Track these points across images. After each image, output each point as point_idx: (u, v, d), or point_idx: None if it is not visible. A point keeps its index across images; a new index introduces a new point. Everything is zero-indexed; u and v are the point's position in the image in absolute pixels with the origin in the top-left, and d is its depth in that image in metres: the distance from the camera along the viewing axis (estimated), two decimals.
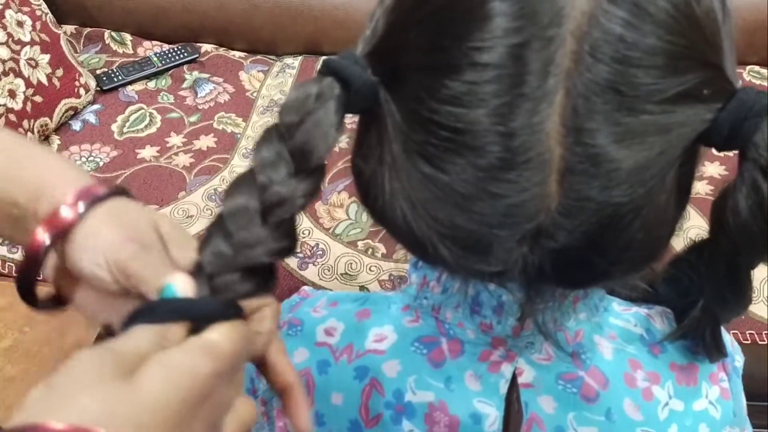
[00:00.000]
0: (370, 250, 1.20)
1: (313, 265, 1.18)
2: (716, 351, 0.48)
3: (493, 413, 0.47)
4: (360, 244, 1.20)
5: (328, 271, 1.18)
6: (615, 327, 0.50)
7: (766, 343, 1.14)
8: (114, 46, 1.56)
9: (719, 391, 0.50)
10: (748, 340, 1.14)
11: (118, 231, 0.37)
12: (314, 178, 0.36)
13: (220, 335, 0.33)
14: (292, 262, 1.18)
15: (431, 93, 0.34)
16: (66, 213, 0.37)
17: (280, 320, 0.53)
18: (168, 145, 1.37)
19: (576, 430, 0.47)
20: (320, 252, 1.20)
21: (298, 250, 1.20)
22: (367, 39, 0.38)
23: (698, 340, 0.48)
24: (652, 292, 0.50)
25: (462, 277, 0.43)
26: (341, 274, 1.18)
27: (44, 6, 1.41)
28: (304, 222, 1.22)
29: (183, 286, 0.35)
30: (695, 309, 0.46)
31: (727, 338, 0.51)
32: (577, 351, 0.48)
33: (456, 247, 0.37)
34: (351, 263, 1.19)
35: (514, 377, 0.47)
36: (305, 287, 0.58)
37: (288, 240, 0.36)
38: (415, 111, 0.35)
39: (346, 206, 1.24)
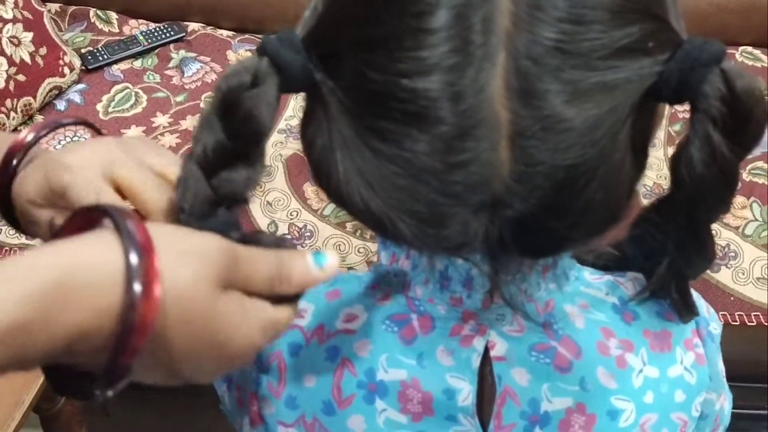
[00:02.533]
0: (359, 231, 1.19)
1: (302, 246, 1.18)
2: (685, 309, 0.48)
3: (466, 388, 0.47)
4: (349, 225, 1.19)
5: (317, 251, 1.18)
6: (586, 296, 0.49)
7: (755, 324, 1.14)
8: (99, 25, 1.54)
9: (694, 356, 0.50)
10: (736, 321, 1.14)
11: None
12: (252, 159, 0.38)
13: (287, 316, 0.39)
14: None
15: (377, 68, 0.34)
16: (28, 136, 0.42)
17: None
18: (154, 125, 1.36)
19: (550, 401, 0.47)
20: (308, 233, 1.19)
21: (287, 231, 1.20)
22: (306, 21, 0.38)
23: (667, 299, 0.48)
24: (620, 257, 0.50)
25: (426, 252, 0.43)
26: None
27: None
28: (292, 203, 1.22)
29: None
30: (661, 267, 0.46)
31: (702, 303, 0.51)
32: (549, 321, 0.47)
33: (414, 221, 0.36)
34: (339, 245, 1.18)
35: (486, 351, 0.47)
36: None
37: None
38: (361, 88, 0.35)
39: None
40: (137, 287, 0.31)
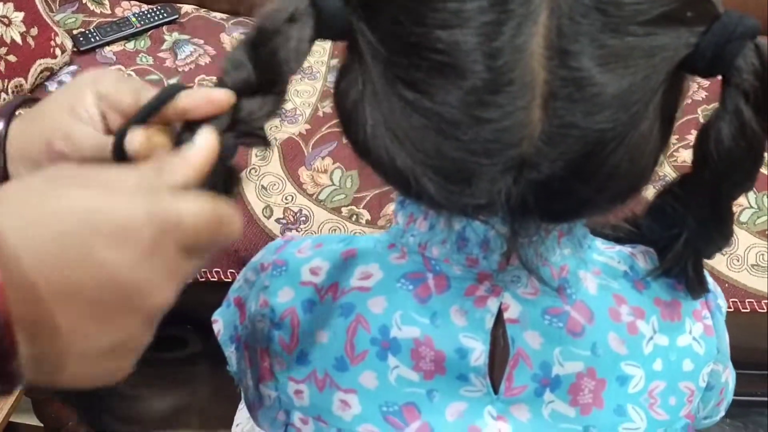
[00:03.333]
0: (354, 216, 1.18)
1: (297, 231, 1.17)
2: (698, 286, 0.49)
3: (479, 348, 0.47)
4: (344, 210, 1.19)
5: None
6: (599, 263, 0.50)
7: (749, 310, 1.15)
8: (91, 6, 1.52)
9: (702, 327, 0.51)
10: (731, 308, 1.15)
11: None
12: (274, 94, 0.37)
13: (190, 206, 0.31)
14: (274, 227, 1.17)
15: (414, 17, 0.34)
16: None
17: (266, 262, 0.52)
18: None
19: (562, 365, 0.47)
20: (303, 218, 1.18)
21: (281, 215, 1.19)
22: None
23: (681, 275, 0.49)
24: (634, 230, 0.50)
25: (446, 212, 0.42)
26: None
27: None
28: (287, 187, 1.21)
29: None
30: (678, 243, 0.46)
31: (710, 279, 0.52)
32: (563, 286, 0.47)
33: (439, 177, 0.37)
34: (335, 229, 1.17)
35: (500, 313, 0.47)
36: (290, 232, 0.57)
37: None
38: (397, 37, 0.35)
39: (330, 172, 1.22)
40: None
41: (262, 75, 0.37)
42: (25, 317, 0.27)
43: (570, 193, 0.37)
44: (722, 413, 0.59)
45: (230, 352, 0.57)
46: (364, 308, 0.48)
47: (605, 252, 0.50)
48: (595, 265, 0.49)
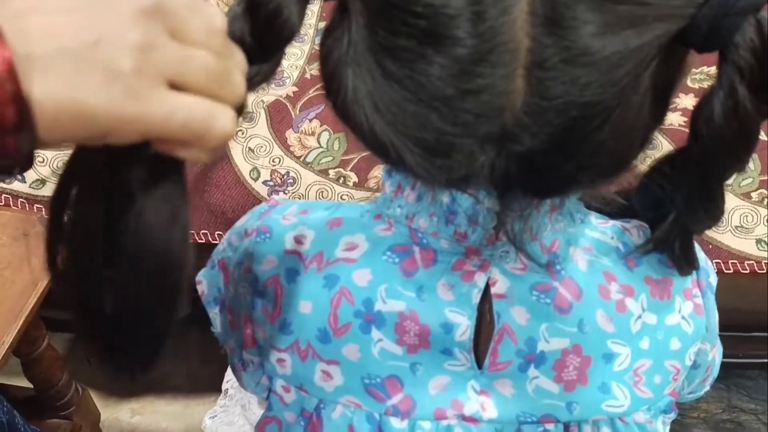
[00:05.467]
0: (342, 178, 1.18)
1: (284, 193, 1.16)
2: (686, 263, 0.48)
3: (464, 323, 0.47)
4: (331, 172, 1.18)
5: (299, 199, 1.17)
6: (591, 239, 0.49)
7: (732, 272, 1.16)
8: None
9: (692, 306, 0.50)
10: (715, 269, 1.16)
11: None
12: (270, 56, 0.36)
13: None
14: (261, 189, 1.17)
15: None
16: None
17: (249, 227, 0.52)
18: None
19: (548, 341, 0.47)
20: (291, 180, 1.18)
21: (269, 177, 1.19)
22: None
23: (669, 252, 0.48)
24: (627, 205, 0.49)
25: (428, 183, 0.42)
26: None
27: None
28: (274, 150, 1.20)
29: None
30: (667, 220, 0.45)
31: (702, 255, 0.51)
32: (552, 261, 0.47)
33: (418, 149, 0.35)
34: (322, 191, 1.17)
35: (487, 288, 0.47)
36: (276, 196, 0.56)
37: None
38: (381, 1, 0.33)
39: (318, 134, 1.22)
40: None
41: (258, 41, 0.35)
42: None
43: (553, 169, 0.36)
44: (707, 388, 0.59)
45: (214, 313, 0.57)
46: (349, 280, 0.48)
47: (598, 227, 0.50)
48: (587, 241, 0.49)
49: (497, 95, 0.33)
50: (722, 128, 0.36)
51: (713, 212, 0.43)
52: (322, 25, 1.44)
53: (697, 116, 0.36)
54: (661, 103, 0.36)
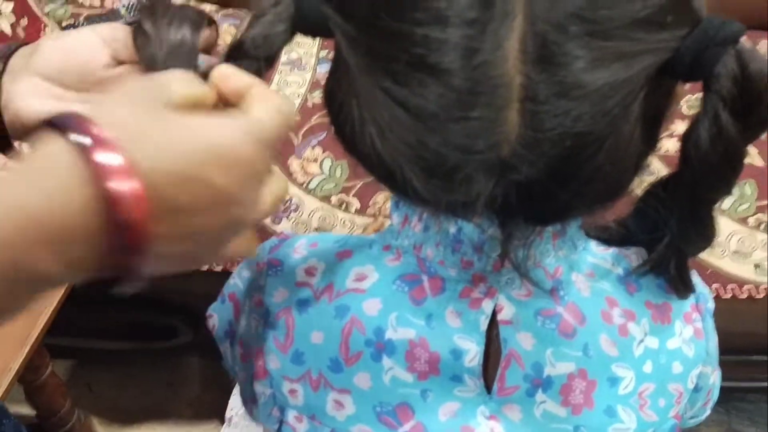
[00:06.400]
0: (344, 204, 1.20)
1: (287, 219, 1.18)
2: (682, 285, 0.49)
3: (473, 349, 0.48)
4: (334, 198, 1.20)
5: (302, 225, 1.18)
6: (592, 265, 0.50)
7: (730, 296, 1.17)
8: None
9: (693, 330, 0.51)
10: (714, 293, 1.17)
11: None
12: (244, 63, 0.39)
13: (265, 114, 0.35)
14: None
15: (395, 12, 0.34)
16: None
17: (260, 261, 0.53)
18: None
19: (554, 365, 0.48)
20: (294, 207, 1.19)
21: None
22: None
23: (665, 275, 0.49)
24: (623, 232, 0.51)
25: (433, 209, 0.43)
26: (315, 229, 1.18)
27: None
28: None
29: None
30: (662, 243, 0.47)
31: (699, 281, 0.53)
32: (556, 287, 0.48)
33: (421, 171, 0.37)
34: (325, 218, 1.18)
35: (494, 314, 0.48)
36: (285, 231, 0.58)
37: None
38: (375, 26, 0.35)
39: (320, 161, 1.23)
40: (112, 185, 0.29)
41: (230, 53, 0.39)
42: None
43: (551, 196, 0.37)
44: (708, 412, 0.59)
45: (225, 347, 0.57)
46: (359, 310, 0.49)
47: (598, 254, 0.51)
48: (589, 267, 0.50)
49: (492, 127, 0.34)
50: (709, 153, 0.37)
51: (705, 234, 0.45)
52: (324, 53, 1.47)
53: (686, 142, 0.38)
54: (652, 131, 0.38)
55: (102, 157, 0.29)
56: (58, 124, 0.30)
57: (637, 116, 0.36)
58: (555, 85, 0.33)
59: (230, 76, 0.36)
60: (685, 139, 0.38)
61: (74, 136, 0.29)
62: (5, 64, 0.43)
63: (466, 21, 0.33)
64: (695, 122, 0.38)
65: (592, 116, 0.34)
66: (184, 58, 0.38)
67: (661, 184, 0.45)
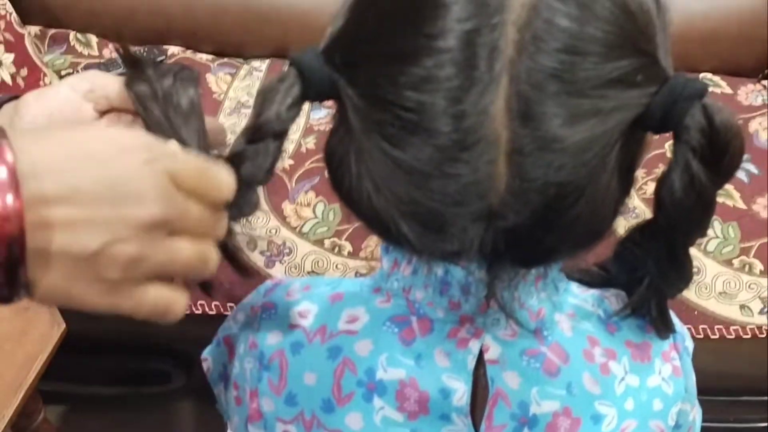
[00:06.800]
0: (337, 248, 1.21)
1: (280, 263, 1.19)
2: (663, 326, 0.51)
3: (461, 388, 0.49)
4: (327, 242, 1.21)
5: (295, 269, 1.20)
6: (574, 306, 0.52)
7: (717, 337, 1.18)
8: (79, 48, 1.54)
9: (671, 368, 0.53)
10: (700, 334, 1.18)
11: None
12: (268, 142, 0.40)
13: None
14: (258, 260, 1.20)
15: (389, 79, 0.37)
16: None
17: (255, 304, 0.55)
18: None
19: (539, 404, 0.49)
20: (287, 250, 1.21)
21: (266, 248, 1.22)
22: (329, 34, 0.41)
23: (646, 316, 0.51)
24: (604, 274, 0.53)
25: (425, 257, 0.45)
26: (308, 272, 1.19)
27: (8, 5, 1.40)
28: (271, 221, 1.24)
29: None
30: (642, 285, 0.49)
31: (677, 321, 0.54)
32: (540, 328, 0.50)
33: (415, 224, 0.39)
34: (318, 261, 1.20)
35: (481, 353, 0.49)
36: (278, 275, 0.59)
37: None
38: (374, 95, 0.38)
39: (313, 205, 1.26)
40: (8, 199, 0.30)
41: (255, 132, 0.40)
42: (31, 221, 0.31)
43: (536, 241, 0.40)
44: None
45: (219, 390, 0.58)
46: (351, 351, 0.50)
47: (579, 295, 0.53)
48: (570, 308, 0.52)
49: (482, 179, 0.37)
50: (682, 199, 0.40)
51: (684, 275, 0.47)
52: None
53: (660, 189, 0.41)
54: (627, 178, 0.41)
55: None
56: None
57: (613, 166, 0.39)
58: (538, 139, 0.36)
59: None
60: (660, 186, 0.41)
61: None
62: None
63: (453, 87, 0.36)
64: (668, 171, 0.40)
65: (572, 167, 0.37)
66: (195, 122, 0.40)
67: (639, 229, 0.47)
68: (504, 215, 0.38)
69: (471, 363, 0.49)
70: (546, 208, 0.38)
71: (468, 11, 0.36)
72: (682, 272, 0.47)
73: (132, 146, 0.34)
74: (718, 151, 0.38)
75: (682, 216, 0.41)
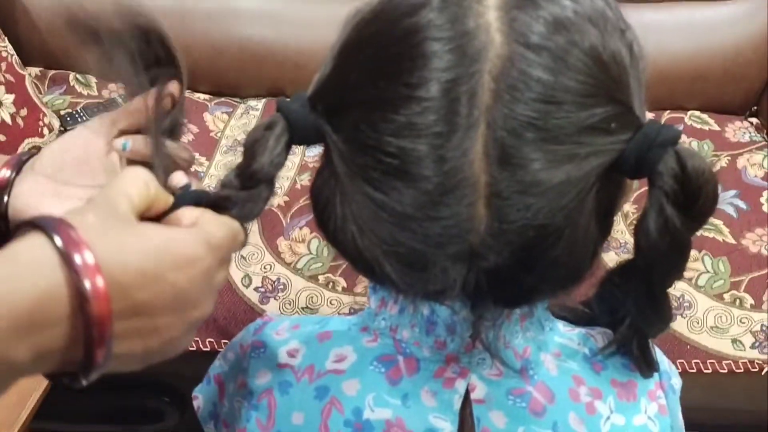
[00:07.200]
0: (331, 284, 1.22)
1: (275, 299, 1.20)
2: (645, 364, 0.52)
3: (447, 428, 0.49)
4: (321, 278, 1.22)
5: (290, 305, 1.20)
6: (559, 345, 0.53)
7: (710, 371, 1.19)
8: (79, 88, 1.57)
9: (657, 407, 0.53)
10: (693, 369, 1.19)
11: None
12: (261, 188, 0.42)
13: (214, 226, 0.40)
14: (253, 296, 1.20)
15: (371, 125, 0.38)
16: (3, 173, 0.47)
17: (245, 343, 0.56)
18: None
19: None
20: (281, 286, 1.21)
21: (260, 284, 1.22)
22: (317, 80, 0.43)
23: (629, 354, 0.51)
24: (588, 313, 0.54)
25: (410, 296, 0.46)
26: (302, 308, 1.20)
27: (10, 48, 1.43)
28: (265, 257, 1.24)
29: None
30: (623, 325, 0.49)
31: (665, 360, 0.55)
32: (525, 367, 0.50)
33: (399, 264, 0.40)
34: (312, 297, 1.21)
35: (467, 393, 0.50)
36: (268, 313, 0.60)
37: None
38: (358, 141, 0.39)
39: (308, 241, 1.27)
40: (85, 282, 0.33)
41: (246, 178, 0.42)
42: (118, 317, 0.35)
43: (517, 281, 0.40)
44: None
45: (209, 428, 0.59)
46: (339, 390, 0.50)
47: (565, 334, 0.53)
48: (556, 347, 0.52)
49: (463, 221, 0.38)
50: (657, 242, 0.40)
51: (662, 316, 0.47)
52: None
53: (637, 232, 0.41)
54: (606, 220, 0.42)
55: (77, 257, 0.33)
56: (41, 225, 0.34)
57: (591, 209, 0.40)
58: (516, 183, 0.37)
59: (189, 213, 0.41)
60: (637, 229, 0.42)
61: (56, 238, 0.33)
62: (20, 169, 0.48)
63: (434, 133, 0.37)
64: (644, 214, 0.41)
65: (550, 210, 0.38)
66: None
67: (618, 270, 0.48)
68: (485, 256, 0.39)
69: (457, 403, 0.50)
70: (525, 249, 0.39)
71: (448, 62, 0.37)
72: (660, 313, 0.48)
73: (194, 257, 0.38)
74: (690, 196, 0.39)
75: (659, 258, 0.42)
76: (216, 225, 0.40)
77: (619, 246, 1.24)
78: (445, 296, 0.43)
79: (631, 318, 0.49)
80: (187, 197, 0.42)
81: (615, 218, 0.44)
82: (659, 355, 0.54)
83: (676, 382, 0.56)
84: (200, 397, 0.59)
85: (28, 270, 0.33)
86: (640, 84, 0.42)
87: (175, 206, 0.41)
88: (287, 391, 0.52)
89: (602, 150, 0.38)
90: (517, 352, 0.50)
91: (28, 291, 0.32)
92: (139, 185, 0.39)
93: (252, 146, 0.42)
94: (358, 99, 0.40)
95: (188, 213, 0.40)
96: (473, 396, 0.50)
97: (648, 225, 0.40)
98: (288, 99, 0.43)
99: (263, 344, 0.54)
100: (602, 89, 0.38)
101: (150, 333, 0.36)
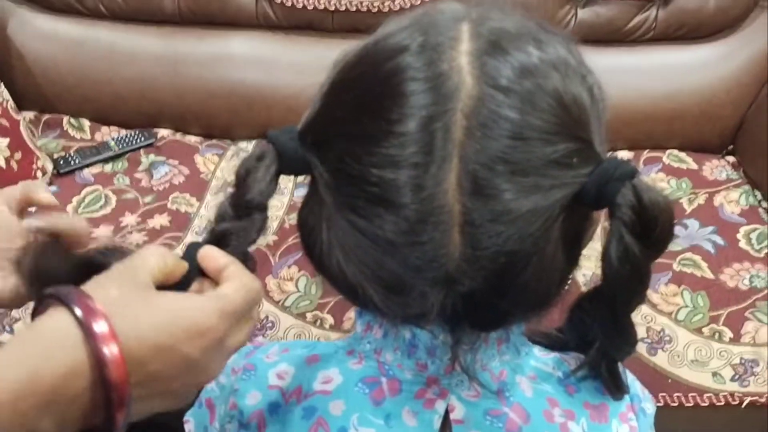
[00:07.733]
0: (319, 321, 1.23)
1: (263, 336, 1.21)
2: (615, 387, 0.54)
3: None
4: (309, 315, 1.23)
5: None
6: (535, 369, 0.55)
7: (692, 405, 1.20)
8: (72, 132, 1.59)
9: (628, 428, 0.56)
10: (675, 402, 1.20)
11: None
12: (255, 216, 0.45)
13: (231, 290, 0.42)
14: None
15: (355, 157, 0.42)
16: None
17: (236, 366, 0.58)
18: (122, 225, 1.40)
19: None
20: (270, 324, 1.23)
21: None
22: (306, 116, 0.46)
23: (599, 377, 0.54)
24: (562, 338, 0.56)
25: (391, 320, 0.49)
26: None
27: (5, 93, 1.46)
28: None
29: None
30: (593, 349, 0.52)
31: (637, 384, 0.58)
32: (502, 389, 0.53)
33: (380, 288, 0.44)
34: (300, 334, 1.22)
35: (447, 413, 0.52)
36: (258, 338, 0.62)
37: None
38: (342, 172, 0.43)
39: (296, 279, 1.29)
40: (104, 350, 0.35)
41: (239, 207, 0.45)
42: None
43: (491, 305, 0.44)
44: None
45: None
46: (325, 411, 0.52)
47: (541, 358, 0.56)
48: (532, 371, 0.55)
49: (439, 247, 0.41)
50: (619, 269, 0.43)
51: (627, 340, 0.50)
52: (300, 178, 1.55)
53: (603, 260, 0.44)
54: (573, 249, 0.45)
55: (97, 326, 0.36)
56: (61, 297, 0.37)
57: (557, 238, 0.43)
58: (488, 212, 0.41)
59: (211, 257, 0.44)
60: (602, 257, 0.45)
61: (76, 309, 0.36)
62: None
63: (413, 164, 0.40)
64: (606, 244, 0.44)
65: (519, 237, 0.41)
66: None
67: (587, 297, 0.51)
68: (460, 281, 0.42)
69: (437, 423, 0.52)
70: (498, 274, 0.42)
71: (426, 100, 0.41)
72: (626, 337, 0.50)
73: (206, 328, 0.40)
74: (647, 226, 0.42)
75: (621, 285, 0.45)
76: (233, 288, 0.42)
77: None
78: (425, 320, 0.45)
79: (600, 342, 0.52)
80: (192, 252, 0.44)
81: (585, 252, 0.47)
82: (631, 380, 0.57)
83: (649, 407, 0.58)
84: (192, 421, 0.61)
85: (52, 348, 0.35)
86: (601, 123, 0.45)
87: (188, 270, 0.43)
88: (276, 412, 0.54)
89: (566, 183, 0.42)
90: (493, 374, 0.53)
91: (54, 369, 0.35)
92: (158, 259, 0.41)
93: (245, 176, 0.45)
94: (343, 133, 0.43)
95: (216, 265, 0.43)
96: (452, 416, 0.52)
97: (610, 253, 0.43)
98: (276, 131, 0.46)
99: (254, 366, 0.57)
100: (565, 127, 0.42)
101: (165, 394, 0.39)
